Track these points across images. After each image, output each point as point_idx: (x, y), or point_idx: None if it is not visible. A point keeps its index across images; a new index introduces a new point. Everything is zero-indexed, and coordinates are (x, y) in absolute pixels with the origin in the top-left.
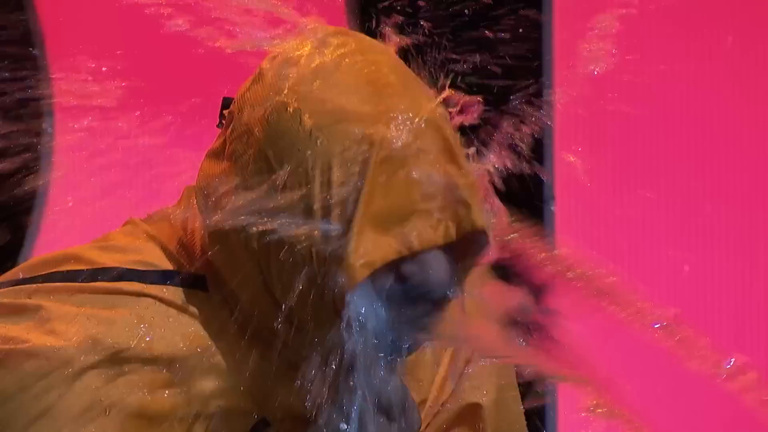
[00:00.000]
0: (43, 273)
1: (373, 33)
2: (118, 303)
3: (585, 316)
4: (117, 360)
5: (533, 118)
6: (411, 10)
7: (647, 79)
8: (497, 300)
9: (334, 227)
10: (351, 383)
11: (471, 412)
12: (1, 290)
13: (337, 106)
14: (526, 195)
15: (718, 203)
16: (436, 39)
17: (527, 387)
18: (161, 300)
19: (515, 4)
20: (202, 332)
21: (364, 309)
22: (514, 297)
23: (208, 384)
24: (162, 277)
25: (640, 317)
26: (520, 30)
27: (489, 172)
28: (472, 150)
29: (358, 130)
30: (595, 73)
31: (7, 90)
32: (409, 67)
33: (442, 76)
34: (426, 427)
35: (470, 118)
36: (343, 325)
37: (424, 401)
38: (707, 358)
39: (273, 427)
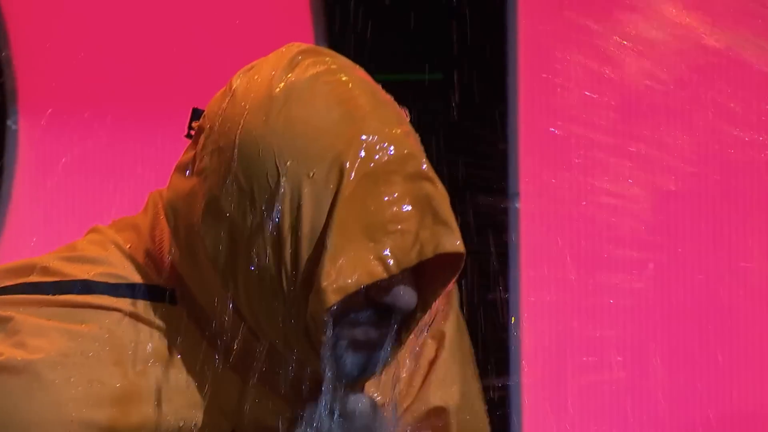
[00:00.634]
0: (10, 284)
1: (338, 34)
2: (87, 317)
3: None
4: (86, 375)
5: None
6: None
7: (609, 75)
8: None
9: (305, 250)
10: (322, 401)
11: (436, 416)
12: None
13: (308, 127)
14: (490, 192)
15: (682, 201)
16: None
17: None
18: (131, 314)
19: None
20: (172, 347)
21: (333, 330)
22: None
23: (178, 399)
24: (131, 291)
25: None
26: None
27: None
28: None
29: (328, 152)
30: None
31: None
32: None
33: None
34: None
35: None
36: (313, 345)
37: (385, 404)
38: None
39: None
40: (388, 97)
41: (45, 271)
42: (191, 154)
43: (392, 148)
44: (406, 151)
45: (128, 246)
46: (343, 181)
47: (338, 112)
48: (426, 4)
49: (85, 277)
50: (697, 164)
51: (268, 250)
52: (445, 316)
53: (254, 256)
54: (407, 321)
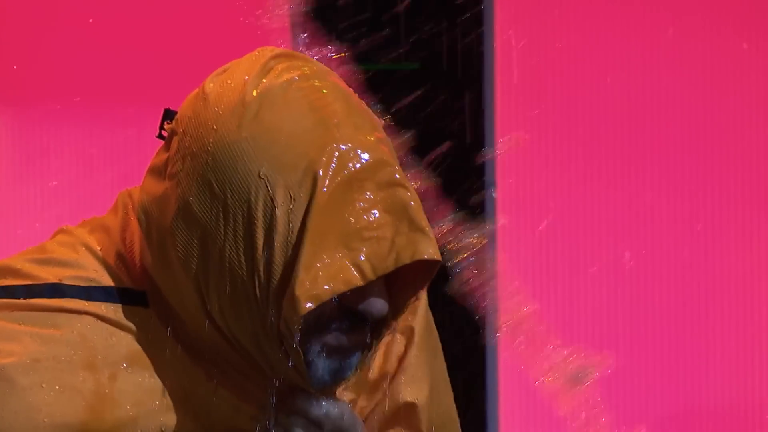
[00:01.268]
0: None
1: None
2: (59, 321)
3: None
4: (58, 380)
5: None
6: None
7: (588, 64)
8: None
9: (278, 257)
10: (297, 407)
11: (406, 412)
12: None
13: (282, 134)
14: (467, 181)
15: (658, 191)
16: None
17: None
18: (103, 318)
19: None
20: (144, 350)
21: (305, 337)
22: None
23: (150, 402)
24: (103, 294)
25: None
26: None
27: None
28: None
29: (302, 159)
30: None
31: None
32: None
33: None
34: None
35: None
36: (286, 351)
37: (354, 400)
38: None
39: None
40: (362, 104)
41: (16, 273)
42: (164, 156)
43: (366, 155)
44: (379, 159)
45: (99, 248)
46: (317, 189)
47: (312, 120)
48: None
49: (57, 280)
50: (675, 152)
51: (241, 257)
52: (414, 311)
53: (227, 263)
54: (378, 327)
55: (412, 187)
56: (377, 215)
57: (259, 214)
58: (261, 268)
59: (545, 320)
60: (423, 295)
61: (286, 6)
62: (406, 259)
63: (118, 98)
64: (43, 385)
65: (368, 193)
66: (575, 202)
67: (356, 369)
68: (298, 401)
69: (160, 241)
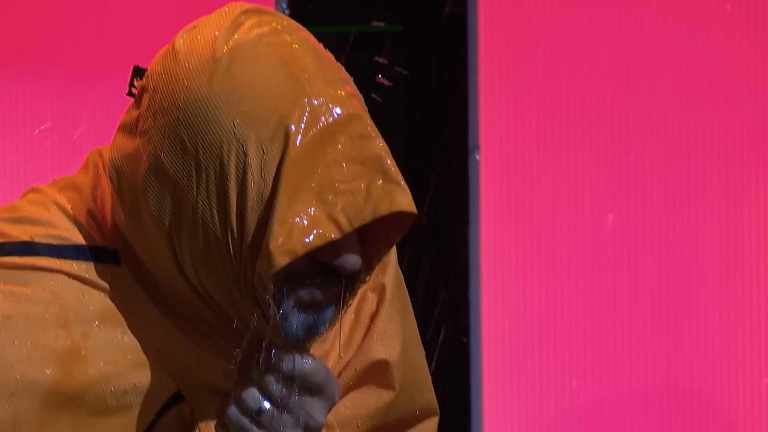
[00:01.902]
0: None
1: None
2: (31, 279)
3: None
4: (30, 337)
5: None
6: None
7: (571, 28)
8: None
9: (251, 212)
10: (270, 362)
11: (378, 369)
12: None
13: (253, 89)
14: (451, 144)
15: (641, 153)
16: None
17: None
18: (74, 276)
19: None
20: (117, 308)
21: (278, 292)
22: None
23: (122, 360)
24: (74, 252)
25: None
26: None
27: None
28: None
29: (273, 114)
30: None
31: None
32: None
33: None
34: None
35: None
36: (259, 307)
37: (326, 354)
38: None
39: (187, 400)
40: (332, 59)
41: None
42: (135, 114)
43: (338, 109)
44: (351, 112)
45: (70, 206)
46: (289, 143)
47: (283, 74)
48: None
49: (28, 238)
50: (659, 114)
51: (214, 213)
52: (384, 268)
53: (199, 219)
54: (351, 282)
55: (383, 142)
56: (351, 168)
57: (232, 169)
58: (234, 224)
59: (528, 285)
60: (392, 252)
61: None
62: (384, 210)
63: (87, 57)
64: (15, 342)
65: (341, 146)
66: (558, 164)
67: (329, 324)
68: (271, 357)
69: (132, 199)
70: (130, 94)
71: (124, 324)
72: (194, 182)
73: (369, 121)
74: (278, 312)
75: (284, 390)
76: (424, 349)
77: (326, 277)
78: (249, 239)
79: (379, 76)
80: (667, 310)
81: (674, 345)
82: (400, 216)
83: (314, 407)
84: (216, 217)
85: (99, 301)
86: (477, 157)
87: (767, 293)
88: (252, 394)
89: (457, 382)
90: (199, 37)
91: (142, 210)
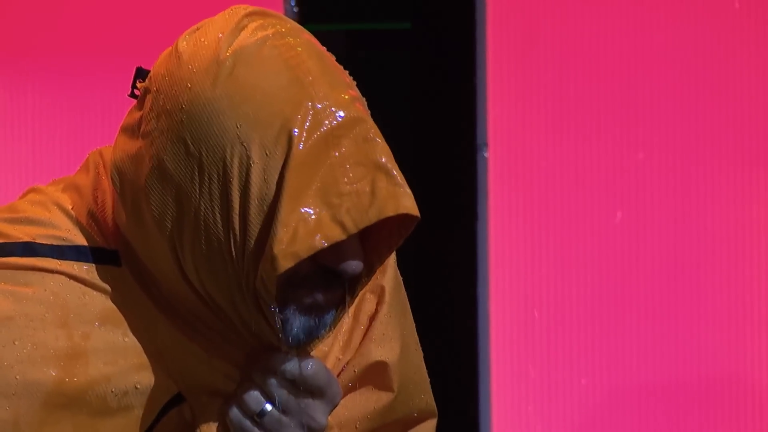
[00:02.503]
0: None
1: None
2: (32, 280)
3: None
4: (31, 337)
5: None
6: None
7: (579, 26)
8: None
9: (254, 215)
10: (272, 364)
11: (377, 371)
12: None
13: (256, 92)
14: (459, 142)
15: (650, 150)
16: None
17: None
18: (75, 277)
19: None
20: (118, 309)
21: (280, 295)
22: None
23: (123, 361)
24: (75, 253)
25: None
26: None
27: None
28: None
29: (277, 117)
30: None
31: None
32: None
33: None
34: None
35: None
36: (261, 310)
37: (325, 356)
38: None
39: (188, 402)
40: (335, 62)
41: None
42: (137, 115)
43: (341, 112)
44: (355, 116)
45: (71, 207)
46: (293, 146)
47: (286, 77)
48: None
49: (29, 239)
50: (668, 110)
51: (217, 215)
52: (383, 270)
53: (202, 221)
54: (353, 285)
55: (386, 145)
56: (355, 170)
57: (235, 172)
58: (237, 227)
59: (537, 282)
60: (392, 255)
61: None
62: (390, 212)
63: (98, 54)
64: (16, 343)
65: (344, 149)
66: (566, 161)
67: (330, 327)
68: (272, 360)
69: (134, 200)
70: (132, 95)
71: (125, 325)
72: (197, 184)
73: (372, 124)
74: (279, 315)
75: (286, 392)
76: (432, 348)
77: (327, 281)
78: (251, 242)
79: (387, 73)
80: (676, 307)
81: (683, 342)
82: (402, 220)
83: (316, 409)
84: (218, 220)
85: (100, 302)
86: (485, 155)
87: None
88: (254, 396)
89: (465, 381)
90: (202, 39)
91: (144, 212)
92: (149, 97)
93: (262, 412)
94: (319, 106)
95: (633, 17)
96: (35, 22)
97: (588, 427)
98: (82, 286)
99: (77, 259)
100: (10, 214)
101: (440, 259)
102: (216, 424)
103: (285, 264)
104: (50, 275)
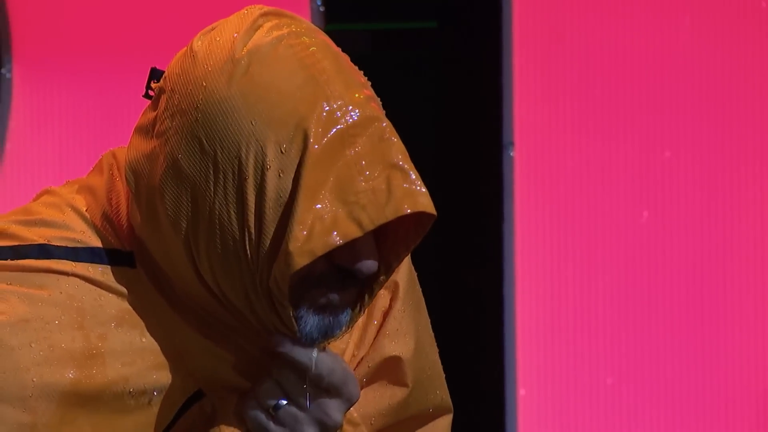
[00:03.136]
0: None
1: None
2: (47, 282)
3: None
4: (47, 340)
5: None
6: None
7: (606, 24)
8: None
9: (270, 214)
10: (290, 360)
11: (391, 366)
12: None
13: (272, 91)
14: (485, 141)
15: (677, 149)
16: None
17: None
18: (90, 279)
19: None
20: (133, 310)
21: (295, 294)
22: None
23: (140, 361)
24: (90, 255)
25: None
26: None
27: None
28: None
29: (292, 116)
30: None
31: None
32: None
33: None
34: None
35: None
36: (276, 309)
37: (341, 353)
38: None
39: (208, 398)
40: (350, 62)
41: (2, 235)
42: (151, 115)
43: (356, 112)
44: (370, 115)
45: (85, 209)
46: (308, 145)
47: (302, 76)
48: None
49: (44, 241)
50: (694, 110)
51: (232, 214)
52: (398, 265)
53: (217, 220)
54: (370, 284)
55: (402, 144)
56: (371, 168)
57: (250, 170)
58: (252, 225)
59: (563, 282)
60: None
61: None
62: (407, 209)
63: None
64: (32, 345)
65: (360, 147)
66: (593, 161)
67: (347, 327)
68: (290, 355)
69: (149, 200)
70: (146, 96)
71: (142, 326)
72: (212, 183)
73: (388, 124)
74: (294, 314)
75: (302, 388)
76: (459, 348)
77: (342, 281)
78: (267, 240)
79: (413, 72)
80: (702, 307)
81: (709, 342)
82: (419, 219)
83: (331, 406)
84: (234, 219)
85: (115, 304)
86: (511, 154)
87: None
88: (270, 390)
89: (491, 380)
90: (217, 39)
91: (159, 211)
92: (164, 97)
93: (278, 406)
94: (335, 105)
95: (659, 16)
96: (62, 24)
97: (614, 427)
98: (98, 288)
99: (92, 261)
100: (25, 216)
101: (466, 259)
102: (233, 418)
103: (301, 261)
104: (65, 277)
